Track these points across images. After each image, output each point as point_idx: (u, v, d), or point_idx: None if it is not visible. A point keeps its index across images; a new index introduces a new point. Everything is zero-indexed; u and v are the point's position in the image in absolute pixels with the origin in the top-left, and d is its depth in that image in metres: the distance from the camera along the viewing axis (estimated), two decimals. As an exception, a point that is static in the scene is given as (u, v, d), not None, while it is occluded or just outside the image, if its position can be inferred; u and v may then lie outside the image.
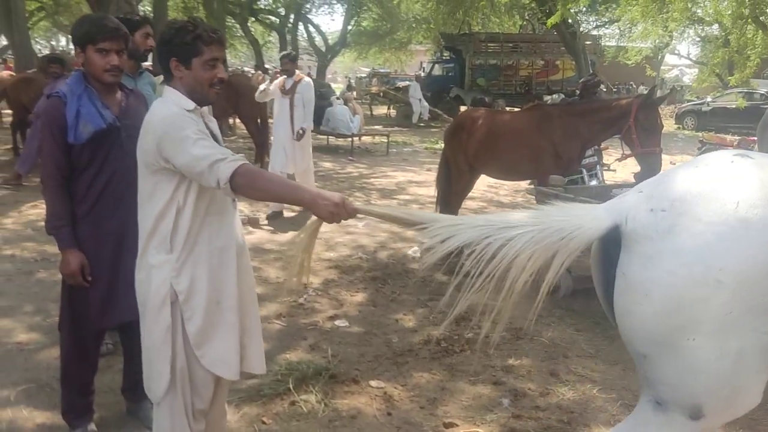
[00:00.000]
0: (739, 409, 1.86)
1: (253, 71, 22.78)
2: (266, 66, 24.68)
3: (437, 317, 4.56)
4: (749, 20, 13.36)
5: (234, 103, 10.01)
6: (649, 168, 4.79)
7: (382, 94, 24.26)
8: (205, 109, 2.34)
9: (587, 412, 3.29)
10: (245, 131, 11.75)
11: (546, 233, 1.88)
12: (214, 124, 2.38)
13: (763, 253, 1.68)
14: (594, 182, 7.02)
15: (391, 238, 6.76)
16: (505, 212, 2.07)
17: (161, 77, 4.02)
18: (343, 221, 2.10)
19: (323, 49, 29.63)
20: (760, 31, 13.77)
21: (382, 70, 32.83)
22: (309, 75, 25.89)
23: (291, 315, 4.53)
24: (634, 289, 1.80)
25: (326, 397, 3.34)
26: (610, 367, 3.81)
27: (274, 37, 29.93)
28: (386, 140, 14.28)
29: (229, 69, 17.72)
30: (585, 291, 5.00)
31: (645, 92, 5.42)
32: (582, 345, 4.11)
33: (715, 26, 19.09)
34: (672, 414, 1.84)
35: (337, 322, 4.41)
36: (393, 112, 22.52)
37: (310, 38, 30.22)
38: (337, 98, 14.39)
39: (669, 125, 19.42)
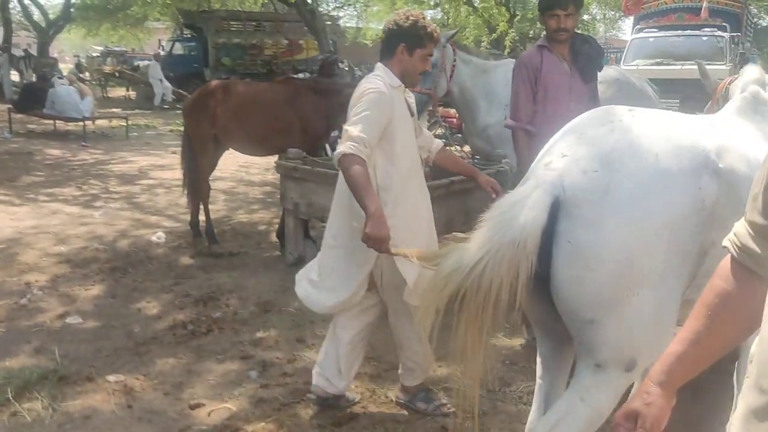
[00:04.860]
0: (661, 351, 1.95)
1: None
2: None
3: (183, 300, 4.40)
4: (462, 2, 14.91)
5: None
6: None
7: (117, 74, 22.44)
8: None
9: (331, 370, 3.44)
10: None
11: (502, 252, 1.74)
12: (411, 99, 2.87)
13: (683, 199, 1.78)
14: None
15: (132, 225, 6.35)
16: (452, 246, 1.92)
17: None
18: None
19: (43, 24, 26.35)
20: (473, 13, 15.47)
21: (116, 49, 30.27)
22: (27, 52, 22.79)
23: (11, 318, 4.02)
24: (585, 255, 1.75)
25: (55, 402, 3.04)
26: (352, 325, 4.03)
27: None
28: (125, 123, 13.29)
29: None
30: (329, 258, 5.21)
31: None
32: (327, 309, 4.27)
33: (438, 9, 20.97)
34: (611, 372, 1.85)
35: (69, 320, 4.02)
36: (132, 94, 21.01)
37: (26, 12, 26.69)
38: (60, 78, 12.96)
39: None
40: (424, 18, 2.73)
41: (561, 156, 1.87)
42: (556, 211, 1.78)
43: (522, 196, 1.83)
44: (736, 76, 2.70)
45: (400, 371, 3.07)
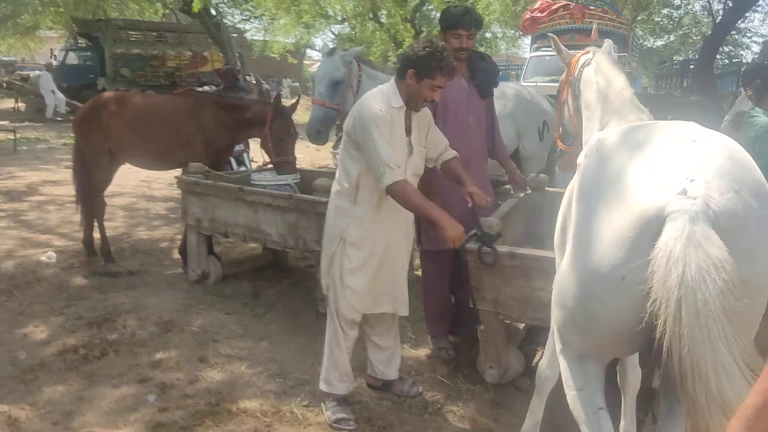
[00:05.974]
0: None
1: None
2: None
3: (75, 323, 4.16)
4: (369, 18, 15.10)
5: None
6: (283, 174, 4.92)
7: (5, 85, 21.08)
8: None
9: (235, 390, 3.34)
10: None
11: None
12: (416, 120, 2.96)
13: None
14: (243, 168, 7.15)
15: (20, 245, 5.95)
16: None
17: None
18: None
19: None
20: (379, 29, 15.69)
21: (5, 59, 28.51)
22: None
23: None
24: (745, 291, 1.56)
25: (-74, 439, 2.78)
26: (257, 343, 3.93)
27: None
28: (13, 137, 12.50)
29: None
30: (234, 275, 5.09)
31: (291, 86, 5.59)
32: (231, 327, 4.15)
33: (346, 23, 21.12)
34: None
35: (-57, 350, 3.70)
36: (22, 106, 19.77)
37: None
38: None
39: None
40: (442, 52, 2.77)
41: (689, 180, 1.64)
42: None
43: (679, 246, 1.56)
44: (587, 51, 2.85)
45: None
